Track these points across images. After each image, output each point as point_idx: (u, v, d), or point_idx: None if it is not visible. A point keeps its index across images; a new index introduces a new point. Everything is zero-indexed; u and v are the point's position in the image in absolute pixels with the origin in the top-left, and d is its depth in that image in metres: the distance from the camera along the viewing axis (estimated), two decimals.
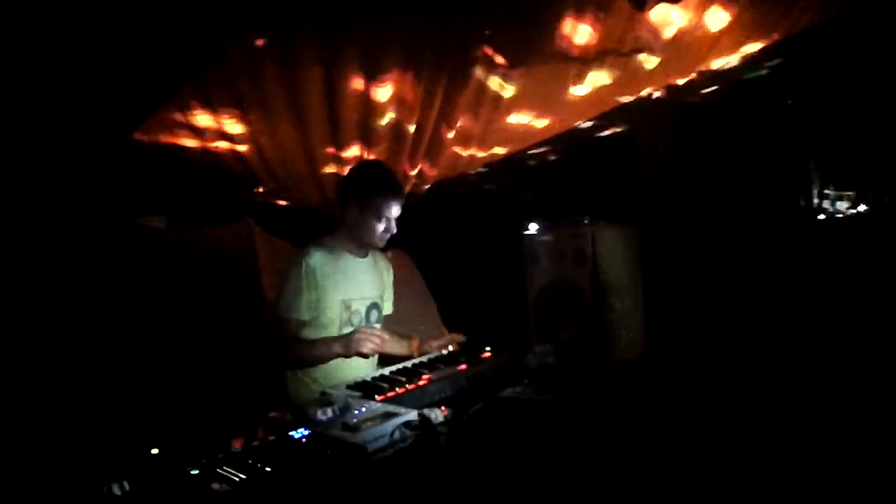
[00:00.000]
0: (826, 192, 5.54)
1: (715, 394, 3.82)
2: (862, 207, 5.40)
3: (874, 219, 5.34)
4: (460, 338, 4.06)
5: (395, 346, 3.93)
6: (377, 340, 3.51)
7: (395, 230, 3.78)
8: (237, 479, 2.18)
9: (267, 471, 2.24)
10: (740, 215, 5.42)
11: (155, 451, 2.37)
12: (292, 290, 3.62)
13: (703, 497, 3.12)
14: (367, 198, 3.69)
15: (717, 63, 5.14)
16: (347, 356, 3.57)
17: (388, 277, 4.11)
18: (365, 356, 3.62)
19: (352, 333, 3.56)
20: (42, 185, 3.89)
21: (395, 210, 3.74)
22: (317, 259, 3.66)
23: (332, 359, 3.59)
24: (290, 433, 2.55)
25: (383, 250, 4.17)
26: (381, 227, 3.72)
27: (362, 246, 3.83)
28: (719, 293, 5.03)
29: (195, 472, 2.23)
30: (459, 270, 6.15)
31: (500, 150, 6.00)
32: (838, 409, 3.81)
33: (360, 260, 3.86)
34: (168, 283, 4.50)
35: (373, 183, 3.74)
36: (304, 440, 2.51)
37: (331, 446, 2.42)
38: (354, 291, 3.80)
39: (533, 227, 5.37)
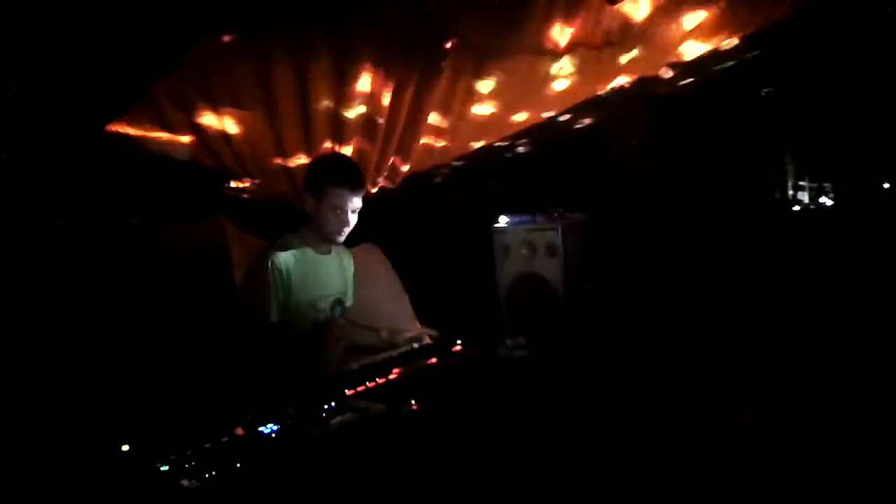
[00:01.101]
0: (801, 183, 5.58)
1: (691, 386, 3.85)
2: (826, 200, 5.45)
3: (849, 209, 5.38)
4: (433, 332, 4.06)
5: (366, 337, 3.96)
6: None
7: (352, 223, 3.74)
8: (207, 475, 2.18)
9: (237, 466, 2.24)
10: (715, 207, 5.45)
11: (125, 447, 2.37)
12: (261, 292, 3.59)
13: (683, 488, 3.15)
14: (322, 188, 3.65)
15: (691, 55, 5.15)
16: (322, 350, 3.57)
17: (350, 271, 4.09)
18: (333, 348, 3.62)
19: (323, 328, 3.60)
20: (14, 183, 3.87)
21: (350, 202, 3.67)
22: (282, 260, 3.62)
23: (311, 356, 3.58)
24: (260, 429, 2.56)
25: (354, 244, 4.17)
26: (336, 219, 3.70)
27: (324, 241, 3.81)
28: (694, 285, 5.06)
29: (164, 468, 2.23)
30: (432, 263, 6.15)
31: (472, 143, 6.01)
32: (816, 401, 3.85)
33: (324, 257, 3.84)
34: (141, 279, 4.49)
35: (327, 174, 3.70)
36: (273, 435, 2.51)
37: (300, 442, 2.43)
38: (320, 289, 3.78)
39: (504, 220, 5.40)
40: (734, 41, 5.02)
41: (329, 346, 3.57)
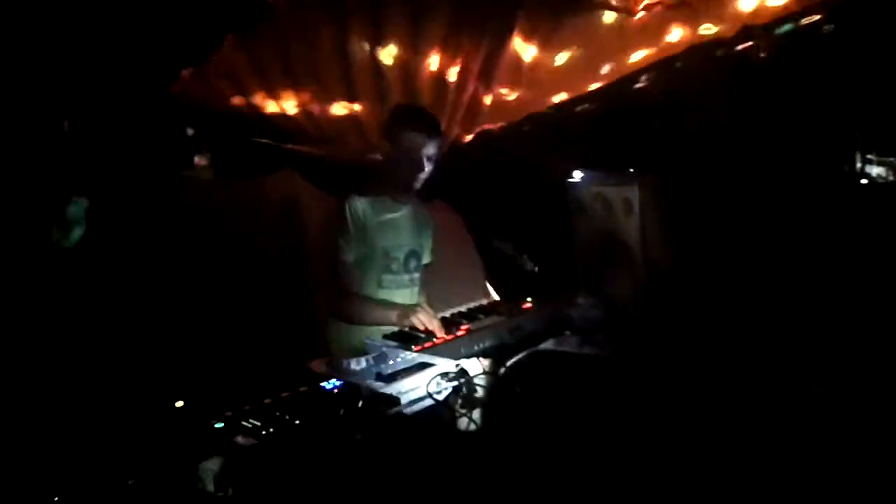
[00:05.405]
0: (869, 157, 5.43)
1: (759, 358, 3.75)
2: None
3: None
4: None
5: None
6: (433, 324, 3.37)
7: (427, 170, 3.72)
8: (264, 431, 2.12)
9: (295, 423, 2.17)
10: (784, 174, 5.33)
11: (179, 403, 2.32)
12: (338, 233, 3.63)
13: (746, 460, 3.06)
14: (398, 134, 3.70)
15: (767, 20, 5.04)
16: (399, 326, 3.50)
17: (429, 226, 4.08)
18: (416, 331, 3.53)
19: (413, 308, 3.55)
20: (84, 136, 3.89)
21: (426, 148, 3.68)
22: (359, 205, 3.68)
23: (383, 324, 3.54)
24: (322, 384, 2.49)
25: (428, 200, 4.15)
26: (411, 164, 3.68)
27: (401, 190, 3.80)
28: (761, 253, 4.95)
29: (219, 425, 2.17)
30: (504, 221, 6.09)
31: (545, 100, 5.92)
32: (883, 375, 3.73)
33: (400, 206, 3.84)
34: (212, 232, 4.53)
35: (404, 120, 3.76)
36: (335, 391, 2.44)
37: (363, 397, 2.36)
38: (394, 239, 3.78)
39: (579, 176, 5.28)
40: (813, 8, 4.90)
41: (400, 325, 3.50)
